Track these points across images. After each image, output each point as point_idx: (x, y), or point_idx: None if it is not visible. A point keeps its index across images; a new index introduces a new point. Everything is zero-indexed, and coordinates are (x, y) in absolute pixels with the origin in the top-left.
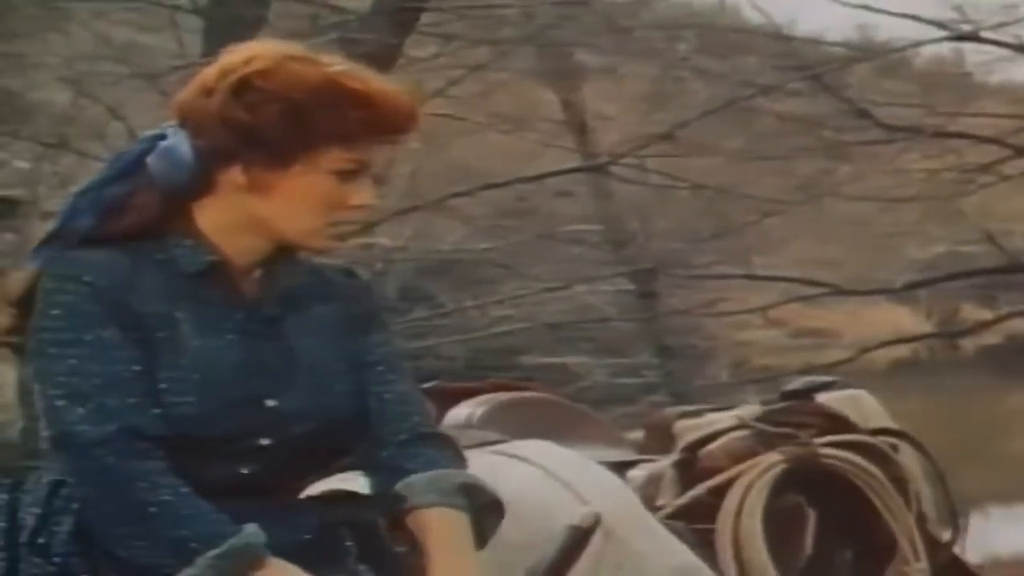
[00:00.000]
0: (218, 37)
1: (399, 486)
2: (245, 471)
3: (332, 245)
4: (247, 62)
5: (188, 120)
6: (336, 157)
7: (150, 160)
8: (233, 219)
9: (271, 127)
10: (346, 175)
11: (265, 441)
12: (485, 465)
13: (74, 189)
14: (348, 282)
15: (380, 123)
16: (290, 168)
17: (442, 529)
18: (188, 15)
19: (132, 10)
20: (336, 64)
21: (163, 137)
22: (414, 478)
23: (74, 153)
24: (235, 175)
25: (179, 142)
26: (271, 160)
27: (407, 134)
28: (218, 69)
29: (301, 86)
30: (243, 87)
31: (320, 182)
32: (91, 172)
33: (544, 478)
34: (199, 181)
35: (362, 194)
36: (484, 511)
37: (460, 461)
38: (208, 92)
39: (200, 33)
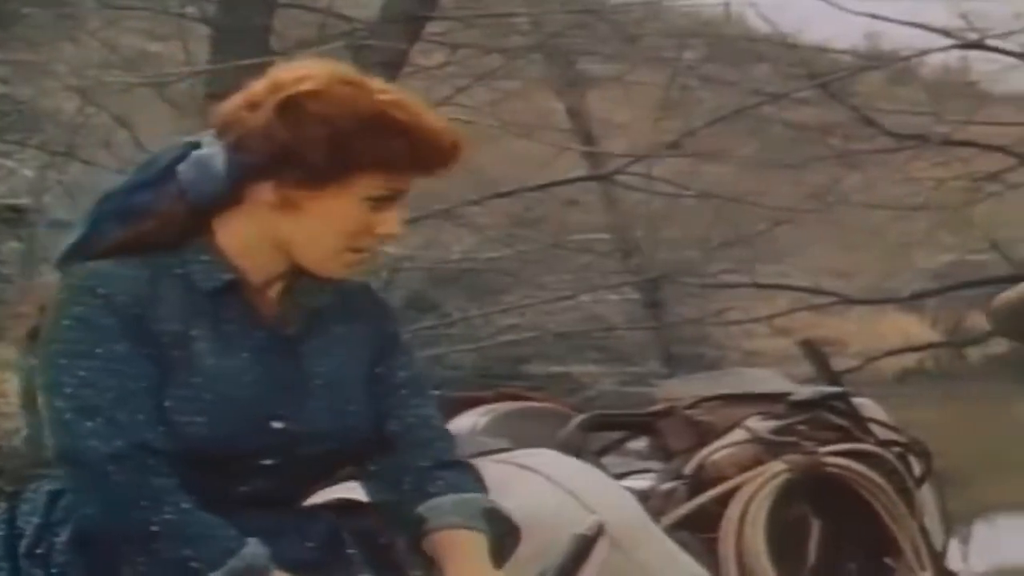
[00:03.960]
0: (225, 45)
1: (422, 508)
2: (244, 488)
3: (349, 272)
4: (298, 81)
5: (228, 131)
6: (371, 184)
7: (181, 168)
8: (255, 236)
9: (312, 149)
10: (378, 203)
11: (268, 461)
12: (492, 476)
13: (82, 198)
14: (370, 302)
15: (422, 156)
16: (323, 190)
17: (463, 550)
18: (196, 23)
19: (141, 19)
20: (386, 91)
21: (197, 145)
22: (437, 500)
23: (81, 162)
24: (265, 191)
25: (214, 153)
26: (305, 180)
27: (447, 169)
28: (268, 84)
29: (349, 112)
30: (290, 105)
31: (350, 207)
32: (98, 181)
33: (550, 488)
34: (228, 194)
35: (389, 223)
36: (503, 535)
37: (482, 488)
38: (253, 106)
39: (207, 41)
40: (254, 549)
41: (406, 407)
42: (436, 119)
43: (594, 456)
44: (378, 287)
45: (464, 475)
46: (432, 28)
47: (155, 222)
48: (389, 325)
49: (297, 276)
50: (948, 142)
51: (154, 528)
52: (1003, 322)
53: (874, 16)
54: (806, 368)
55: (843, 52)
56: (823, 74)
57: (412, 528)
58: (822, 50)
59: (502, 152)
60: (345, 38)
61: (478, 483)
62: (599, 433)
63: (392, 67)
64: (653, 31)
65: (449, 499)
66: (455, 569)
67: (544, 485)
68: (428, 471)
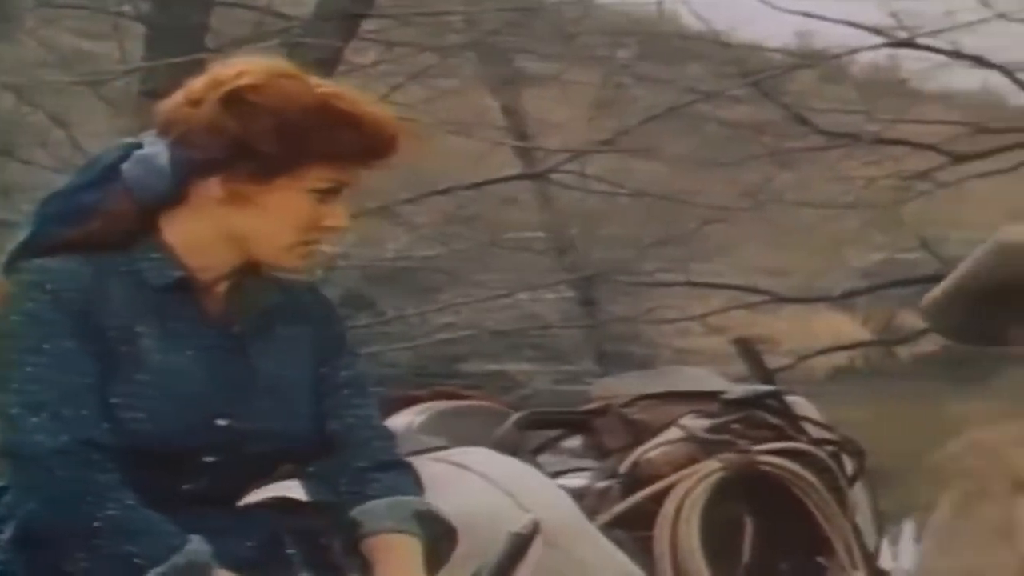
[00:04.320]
0: (161, 44)
1: (356, 511)
2: (187, 486)
3: (302, 265)
4: (239, 75)
5: (172, 129)
6: (319, 176)
7: (126, 167)
8: (204, 232)
9: (262, 140)
10: (324, 195)
11: (211, 459)
12: (428, 474)
13: (19, 197)
14: (315, 302)
15: (368, 145)
16: (272, 183)
17: (395, 554)
18: (132, 22)
19: (77, 18)
20: (323, 84)
21: (139, 146)
22: (371, 504)
23: (18, 161)
24: (213, 187)
25: (158, 151)
26: (255, 173)
27: (389, 158)
28: (208, 80)
29: (294, 103)
30: (236, 99)
31: (298, 200)
32: (34, 180)
33: (486, 486)
34: (174, 191)
35: (337, 215)
36: (438, 539)
37: (419, 489)
38: (195, 102)
39: (143, 40)
40: (196, 546)
41: (347, 407)
42: (376, 109)
43: (530, 455)
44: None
45: (402, 477)
46: (367, 26)
47: (102, 221)
48: (334, 326)
49: (244, 275)
50: (879, 140)
51: (97, 524)
52: (933, 319)
53: (806, 14)
54: (740, 367)
55: (775, 50)
56: (756, 72)
57: (348, 531)
58: (755, 48)
59: (437, 150)
60: (281, 36)
61: (416, 485)
62: (535, 431)
63: (327, 65)
64: (587, 29)
65: (384, 503)
66: (385, 574)
67: (480, 484)
68: (366, 472)
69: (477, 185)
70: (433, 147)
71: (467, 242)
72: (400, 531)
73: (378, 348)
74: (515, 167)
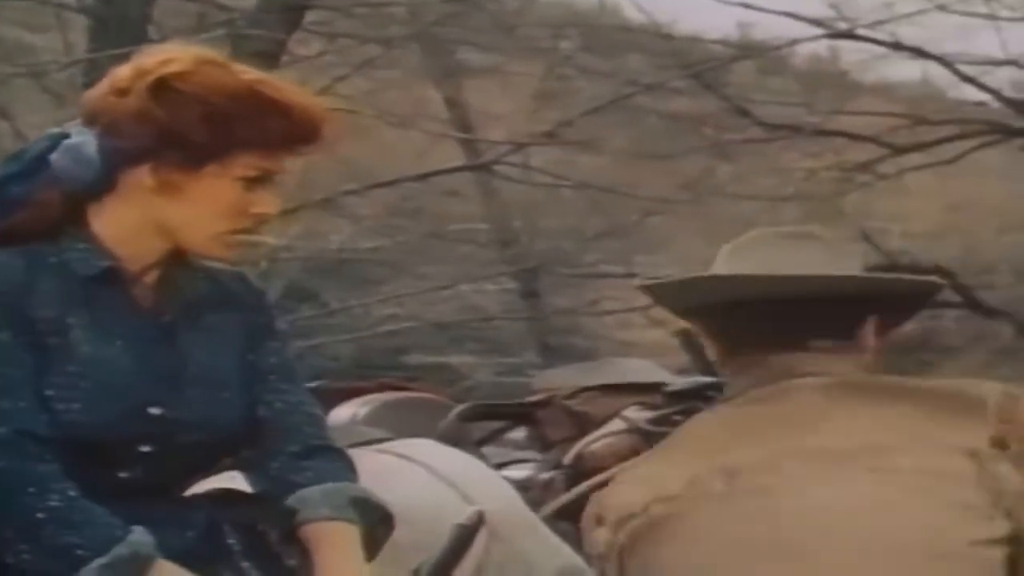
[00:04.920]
0: (104, 36)
1: (291, 500)
2: (124, 475)
3: (232, 253)
4: (164, 63)
5: (99, 119)
6: (248, 164)
7: (54, 158)
8: (133, 222)
9: (191, 128)
10: (252, 183)
11: (146, 448)
12: (372, 465)
13: None
14: (244, 290)
15: (295, 132)
16: (202, 171)
17: (333, 542)
18: (75, 14)
19: (19, 10)
20: (248, 71)
21: (66, 136)
22: (306, 491)
23: None
24: (143, 176)
25: (86, 140)
26: (185, 162)
27: (316, 144)
28: (133, 69)
29: (221, 91)
30: (163, 87)
31: (228, 188)
32: None
33: (430, 478)
34: (103, 181)
35: (265, 203)
36: (375, 524)
37: (352, 474)
38: (122, 92)
39: (86, 31)
40: (139, 537)
41: (275, 393)
42: (302, 95)
43: (474, 446)
44: (256, 277)
45: (333, 462)
46: (310, 17)
47: (30, 212)
48: (262, 313)
49: (173, 264)
50: (819, 132)
51: (40, 515)
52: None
53: (746, 6)
54: (681, 358)
55: (716, 42)
56: (697, 64)
57: (284, 519)
58: (696, 40)
59: (379, 142)
60: (224, 27)
61: (348, 470)
62: (478, 423)
63: (271, 56)
64: (529, 21)
65: (318, 489)
66: (324, 561)
67: (424, 475)
68: (296, 458)
69: (421, 177)
70: (375, 139)
71: (410, 234)
72: (337, 518)
73: (321, 340)
74: (458, 159)
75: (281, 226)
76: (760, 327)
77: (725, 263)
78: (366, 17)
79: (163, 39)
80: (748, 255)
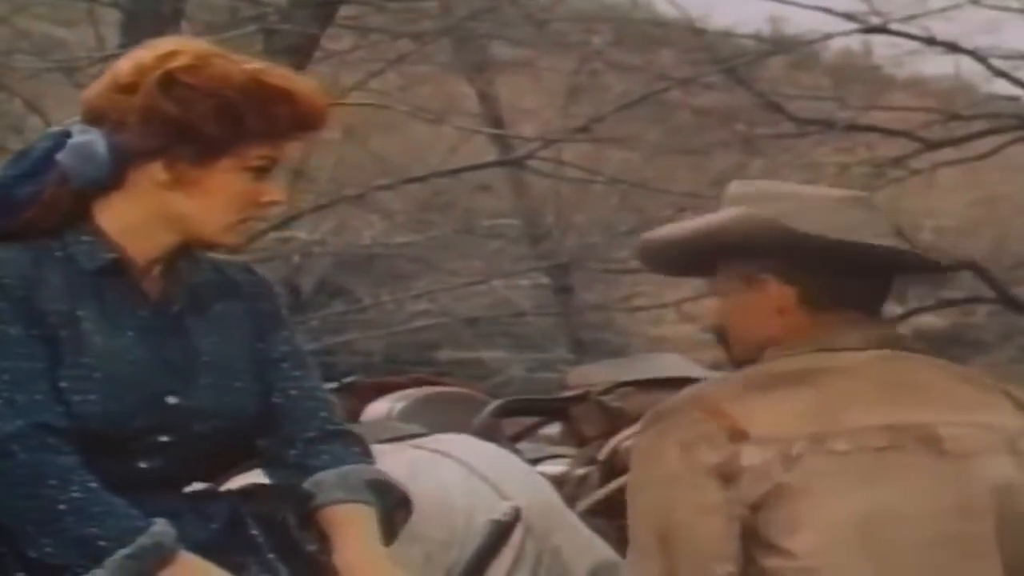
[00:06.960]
0: (136, 30)
1: (307, 483)
2: (144, 466)
3: (244, 242)
4: (167, 57)
5: (105, 116)
6: (257, 154)
7: (61, 157)
8: (143, 216)
9: (204, 122)
10: (259, 172)
11: (165, 438)
12: (407, 461)
13: None
14: (250, 281)
15: (301, 119)
16: (217, 163)
17: (350, 525)
18: (106, 8)
19: (51, 5)
20: (248, 61)
21: (67, 134)
22: (322, 475)
23: None
24: (156, 171)
25: (93, 138)
26: (200, 156)
27: (320, 130)
28: (133, 65)
29: (229, 83)
30: (170, 82)
31: (237, 178)
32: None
33: (465, 473)
34: (112, 178)
35: (273, 191)
36: (393, 507)
37: (367, 457)
38: (126, 88)
39: (118, 26)
40: (162, 528)
41: (287, 380)
42: (303, 81)
43: (509, 442)
44: (289, 272)
45: (348, 447)
46: (343, 12)
47: (38, 210)
48: (268, 302)
49: (179, 255)
50: (851, 127)
51: (62, 507)
52: (645, 257)
53: (779, 0)
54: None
55: (748, 37)
56: (728, 59)
57: (301, 504)
58: (728, 35)
59: (411, 137)
60: (256, 22)
61: (363, 454)
62: (512, 419)
63: (303, 52)
64: (561, 16)
65: (334, 473)
66: (343, 544)
67: (459, 471)
68: (312, 443)
69: (452, 172)
70: (407, 134)
71: (442, 229)
72: (353, 501)
73: (353, 336)
74: (490, 154)
75: (313, 222)
76: (859, 290)
77: (803, 216)
78: (398, 12)
79: (195, 34)
80: (837, 216)
